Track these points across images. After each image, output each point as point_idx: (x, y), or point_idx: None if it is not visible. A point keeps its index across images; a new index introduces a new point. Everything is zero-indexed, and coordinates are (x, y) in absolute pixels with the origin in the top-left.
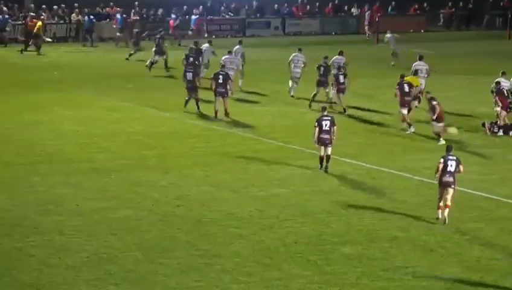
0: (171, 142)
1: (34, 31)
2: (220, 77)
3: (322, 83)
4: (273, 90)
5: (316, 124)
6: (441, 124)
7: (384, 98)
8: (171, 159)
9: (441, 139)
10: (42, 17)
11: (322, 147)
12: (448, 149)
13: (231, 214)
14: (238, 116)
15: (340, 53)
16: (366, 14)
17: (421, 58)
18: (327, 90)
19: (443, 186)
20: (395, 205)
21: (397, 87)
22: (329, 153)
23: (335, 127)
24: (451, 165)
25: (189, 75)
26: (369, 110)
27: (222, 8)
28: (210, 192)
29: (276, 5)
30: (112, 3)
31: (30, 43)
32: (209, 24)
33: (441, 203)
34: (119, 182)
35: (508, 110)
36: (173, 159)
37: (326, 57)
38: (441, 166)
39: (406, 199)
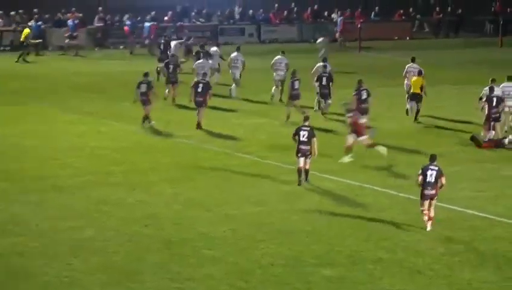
0: (139, 157)
1: (21, 39)
2: (200, 85)
3: (324, 95)
4: (247, 101)
5: (294, 132)
6: (362, 138)
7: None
8: (138, 175)
9: (379, 147)
10: (30, 23)
11: (302, 159)
12: (431, 159)
13: (203, 234)
14: (210, 129)
15: (324, 60)
16: (339, 20)
17: (413, 60)
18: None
19: (424, 199)
20: (380, 224)
21: (355, 94)
22: (307, 167)
23: (314, 139)
24: (430, 175)
25: (143, 87)
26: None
27: (193, 13)
28: (181, 210)
29: (251, 11)
30: (73, 9)
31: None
32: (179, 31)
33: (425, 218)
34: (83, 199)
35: (490, 120)
36: (141, 175)
37: (325, 66)
38: (420, 178)
39: (391, 218)
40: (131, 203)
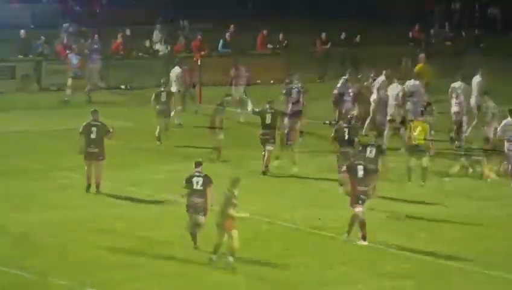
0: None
1: None
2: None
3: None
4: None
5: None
6: None
7: None
8: None
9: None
10: None
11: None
12: (197, 165)
13: None
14: None
15: None
16: (73, 58)
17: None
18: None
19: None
20: None
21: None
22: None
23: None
24: (197, 183)
25: None
26: None
27: None
28: None
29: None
30: None
31: None
32: None
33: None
34: None
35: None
36: None
37: (270, 102)
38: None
39: None
40: None
